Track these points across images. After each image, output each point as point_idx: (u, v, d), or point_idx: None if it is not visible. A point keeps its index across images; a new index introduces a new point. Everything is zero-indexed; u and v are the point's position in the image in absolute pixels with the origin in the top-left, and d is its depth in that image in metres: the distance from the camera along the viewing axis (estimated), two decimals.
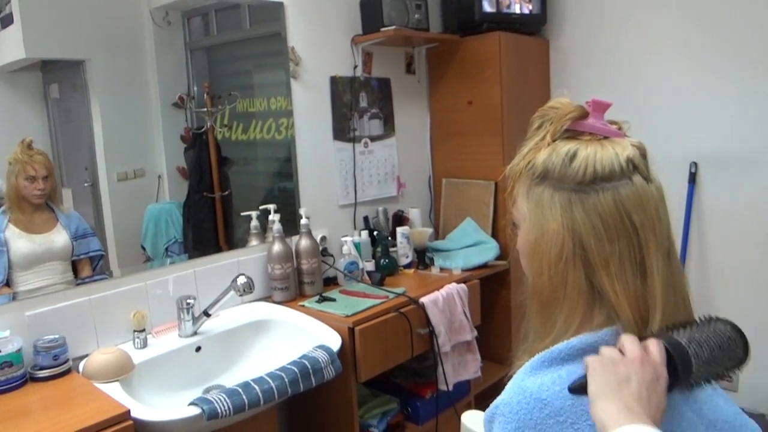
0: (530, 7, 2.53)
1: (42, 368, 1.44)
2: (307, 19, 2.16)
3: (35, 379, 1.43)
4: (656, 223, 0.73)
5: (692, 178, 2.36)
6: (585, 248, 0.74)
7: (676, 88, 2.37)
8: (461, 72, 2.53)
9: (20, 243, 1.57)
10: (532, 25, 2.60)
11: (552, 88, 2.66)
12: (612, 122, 0.81)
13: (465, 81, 2.52)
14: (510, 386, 0.74)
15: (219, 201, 2.00)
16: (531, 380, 0.71)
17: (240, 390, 1.40)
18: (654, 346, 0.68)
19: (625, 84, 2.48)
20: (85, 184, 1.75)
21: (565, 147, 0.76)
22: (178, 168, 1.92)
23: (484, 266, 2.30)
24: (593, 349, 0.72)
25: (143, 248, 1.85)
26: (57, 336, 1.48)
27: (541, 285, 0.78)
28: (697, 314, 0.75)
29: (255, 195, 2.16)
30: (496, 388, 2.44)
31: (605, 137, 0.78)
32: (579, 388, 0.67)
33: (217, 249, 1.98)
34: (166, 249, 1.89)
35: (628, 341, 0.69)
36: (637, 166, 0.74)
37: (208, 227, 1.99)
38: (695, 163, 2.36)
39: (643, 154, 0.76)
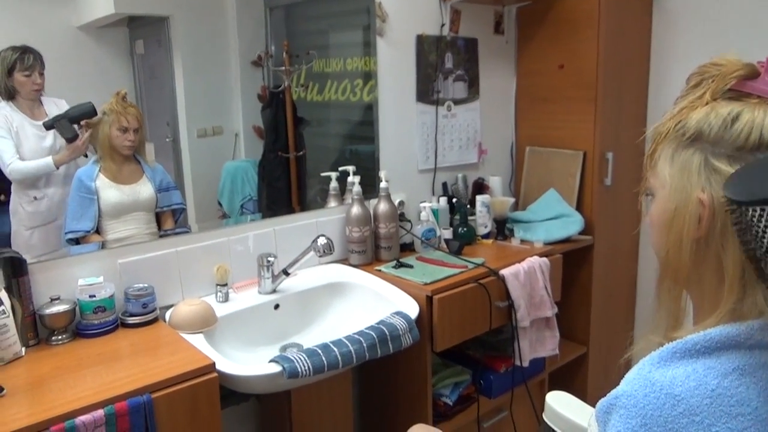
0: None
1: (132, 315, 1.48)
2: None
3: (125, 325, 1.48)
4: None
5: None
6: None
7: None
8: (554, 33, 2.37)
9: (110, 192, 1.61)
10: None
11: (652, 53, 2.45)
12: None
13: (557, 43, 2.36)
14: (634, 376, 0.66)
15: (293, 161, 1.98)
16: (660, 372, 0.64)
17: (320, 351, 1.39)
18: None
19: (739, 53, 2.24)
20: (167, 140, 1.77)
21: (727, 108, 0.67)
22: (253, 127, 1.92)
23: (567, 240, 2.20)
24: (735, 343, 0.64)
25: (219, 204, 1.87)
26: (146, 285, 1.52)
27: (678, 262, 0.70)
28: None
29: (327, 157, 2.13)
30: (572, 368, 2.38)
31: None
32: None
33: (289, 209, 1.97)
34: (242, 206, 1.90)
35: None
36: None
37: (281, 186, 1.99)
38: None
39: None
